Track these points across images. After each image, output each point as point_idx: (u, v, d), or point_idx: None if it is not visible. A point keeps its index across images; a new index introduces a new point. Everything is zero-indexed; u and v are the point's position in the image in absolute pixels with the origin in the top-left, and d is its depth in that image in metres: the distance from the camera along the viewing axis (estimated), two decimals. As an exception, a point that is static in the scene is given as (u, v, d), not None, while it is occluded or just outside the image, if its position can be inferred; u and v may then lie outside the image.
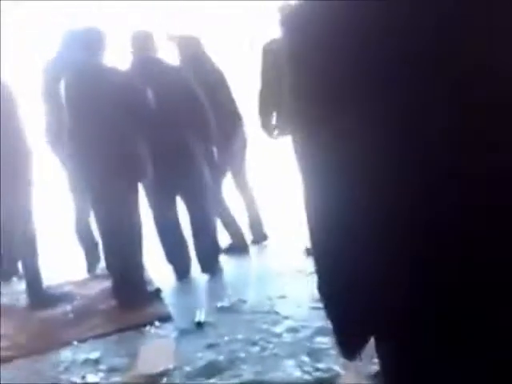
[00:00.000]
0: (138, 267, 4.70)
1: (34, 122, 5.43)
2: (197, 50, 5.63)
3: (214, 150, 5.26)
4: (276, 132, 5.59)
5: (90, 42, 4.57)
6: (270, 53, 5.29)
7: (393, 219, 1.32)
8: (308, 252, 5.48)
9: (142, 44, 5.08)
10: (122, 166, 4.46)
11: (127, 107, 4.48)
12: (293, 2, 5.34)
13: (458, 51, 1.23)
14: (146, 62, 5.02)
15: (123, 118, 4.47)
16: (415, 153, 1.28)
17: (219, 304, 4.51)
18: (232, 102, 5.70)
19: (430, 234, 1.28)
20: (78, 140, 4.52)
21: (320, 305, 3.55)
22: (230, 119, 5.61)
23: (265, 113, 5.49)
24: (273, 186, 6.81)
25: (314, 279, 3.93)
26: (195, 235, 5.24)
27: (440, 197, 1.26)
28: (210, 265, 5.25)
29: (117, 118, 4.44)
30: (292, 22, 1.57)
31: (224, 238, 5.70)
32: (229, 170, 5.82)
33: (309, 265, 4.82)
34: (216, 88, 5.50)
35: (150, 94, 4.59)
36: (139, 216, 4.69)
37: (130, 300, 4.57)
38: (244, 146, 5.84)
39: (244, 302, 4.50)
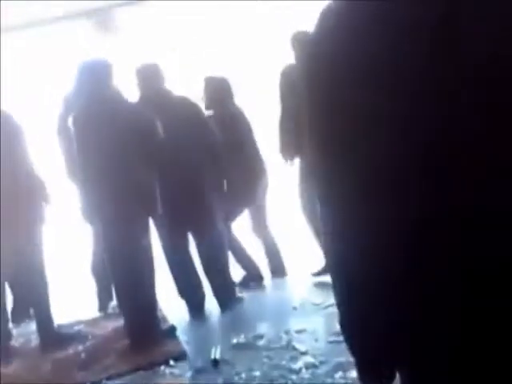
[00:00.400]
0: (151, 304, 4.59)
1: (50, 153, 5.43)
2: (223, 91, 5.62)
3: (225, 182, 5.19)
4: (293, 157, 5.54)
5: (97, 75, 4.53)
6: (287, 77, 5.28)
7: (413, 253, 1.31)
8: (316, 274, 5.46)
9: (150, 77, 5.04)
10: (131, 200, 4.38)
11: (136, 140, 4.42)
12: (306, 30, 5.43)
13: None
14: (155, 95, 4.98)
15: (133, 152, 4.41)
16: (435, 190, 1.27)
17: (235, 340, 4.39)
18: (254, 145, 5.66)
19: (446, 268, 1.28)
20: (87, 174, 4.47)
21: (339, 339, 3.44)
22: (253, 162, 5.57)
23: (283, 137, 5.46)
24: (289, 217, 6.69)
25: (331, 312, 3.80)
26: (207, 273, 5.15)
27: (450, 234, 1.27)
28: (228, 302, 5.15)
29: (126, 153, 4.38)
30: (309, 51, 1.54)
31: (238, 271, 5.61)
32: (247, 209, 5.76)
33: (326, 298, 4.72)
34: (239, 132, 5.51)
35: (159, 125, 4.53)
36: (151, 252, 4.60)
37: (143, 339, 4.46)
38: (265, 190, 5.76)
39: (260, 337, 4.38)
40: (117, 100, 4.60)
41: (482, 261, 1.28)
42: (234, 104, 5.67)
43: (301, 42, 5.24)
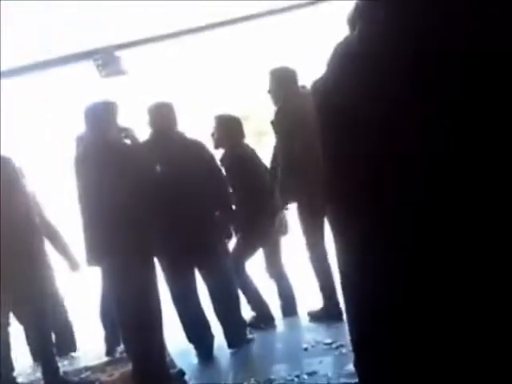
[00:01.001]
0: (159, 348, 4.48)
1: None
2: (234, 130, 5.60)
3: (232, 222, 5.13)
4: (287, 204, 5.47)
5: (98, 117, 4.52)
6: (280, 119, 5.26)
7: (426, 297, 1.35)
8: (311, 315, 5.47)
9: (161, 116, 5.01)
10: (133, 242, 4.30)
11: (133, 180, 4.36)
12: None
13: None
14: (164, 134, 4.94)
15: (130, 192, 4.33)
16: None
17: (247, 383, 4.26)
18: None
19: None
20: (88, 215, 4.41)
21: (351, 381, 3.32)
22: (268, 202, 5.47)
23: (284, 184, 5.33)
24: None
25: (343, 353, 3.67)
26: (217, 313, 5.04)
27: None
28: (239, 343, 5.04)
29: (124, 193, 4.31)
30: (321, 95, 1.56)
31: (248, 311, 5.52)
32: (261, 247, 5.67)
33: (337, 337, 4.60)
34: (253, 172, 5.48)
35: (156, 165, 4.49)
36: (157, 294, 4.50)
37: (151, 384, 4.34)
38: (279, 229, 5.67)
39: (271, 381, 4.25)
40: (115, 141, 4.58)
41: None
42: (245, 144, 5.64)
43: (281, 77, 5.27)
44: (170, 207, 4.63)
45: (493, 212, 1.28)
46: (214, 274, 4.97)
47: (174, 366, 4.72)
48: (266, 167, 5.61)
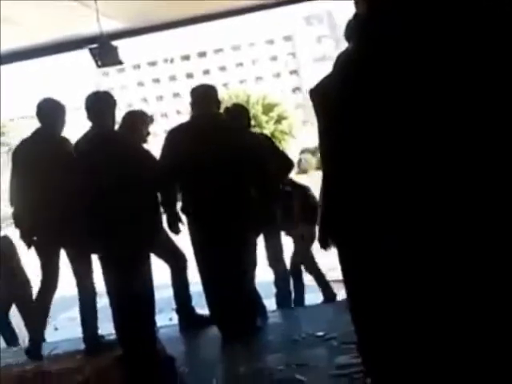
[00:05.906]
0: (149, 335, 4.52)
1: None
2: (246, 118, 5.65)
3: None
4: None
5: (94, 109, 4.54)
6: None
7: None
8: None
9: (202, 99, 5.02)
10: (129, 234, 4.33)
11: (130, 170, 4.36)
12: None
13: None
14: (204, 118, 4.96)
15: (128, 183, 4.32)
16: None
17: (237, 372, 4.30)
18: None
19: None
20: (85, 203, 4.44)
21: (341, 372, 3.34)
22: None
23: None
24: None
25: (334, 346, 3.71)
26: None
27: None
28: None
29: (121, 183, 4.30)
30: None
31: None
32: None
33: (328, 330, 4.64)
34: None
35: (153, 155, 4.61)
36: (150, 280, 4.52)
37: (142, 370, 4.36)
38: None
39: (261, 370, 4.29)
40: (110, 133, 4.62)
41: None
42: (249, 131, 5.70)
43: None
44: (204, 176, 4.73)
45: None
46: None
47: (164, 352, 4.75)
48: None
